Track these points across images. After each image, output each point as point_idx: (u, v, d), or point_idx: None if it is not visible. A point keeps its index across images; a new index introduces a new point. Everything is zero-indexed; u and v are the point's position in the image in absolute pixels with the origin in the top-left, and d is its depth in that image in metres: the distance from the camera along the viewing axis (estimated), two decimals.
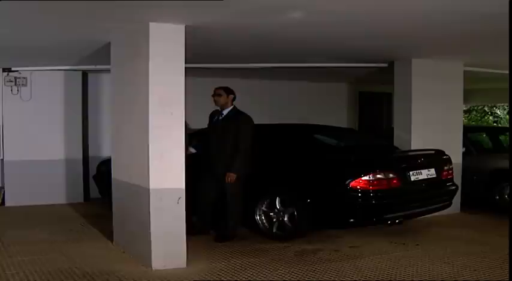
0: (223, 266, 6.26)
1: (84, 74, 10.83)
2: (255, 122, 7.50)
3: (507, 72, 10.77)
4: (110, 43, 7.07)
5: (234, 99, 7.57)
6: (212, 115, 7.76)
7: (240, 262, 6.41)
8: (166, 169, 6.10)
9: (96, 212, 9.37)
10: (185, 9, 5.37)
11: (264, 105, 12.07)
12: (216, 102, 7.58)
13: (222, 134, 7.43)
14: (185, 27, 5.99)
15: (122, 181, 6.94)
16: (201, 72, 10.08)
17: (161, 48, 6.03)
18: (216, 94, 7.55)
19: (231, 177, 7.21)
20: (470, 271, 6.08)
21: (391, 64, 9.45)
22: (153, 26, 5.93)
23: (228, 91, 7.53)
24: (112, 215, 7.30)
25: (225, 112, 7.54)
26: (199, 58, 8.39)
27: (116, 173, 7.19)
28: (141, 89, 6.15)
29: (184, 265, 6.16)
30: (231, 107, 7.54)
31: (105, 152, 10.41)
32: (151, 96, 6.00)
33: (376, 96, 14.70)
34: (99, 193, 10.35)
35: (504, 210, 9.26)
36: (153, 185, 6.03)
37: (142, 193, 6.15)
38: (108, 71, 7.51)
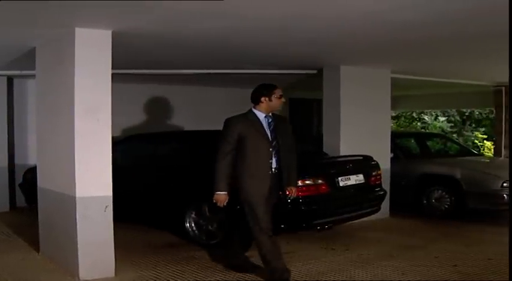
0: (152, 274, 6.18)
1: (10, 80, 10.53)
2: (188, 128, 7.38)
3: (434, 79, 11.14)
4: (35, 48, 6.90)
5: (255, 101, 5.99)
6: None
7: (169, 270, 6.35)
8: (92, 177, 5.98)
9: (22, 222, 9.09)
10: (111, 14, 5.29)
11: (198, 111, 12.02)
12: None
13: None
14: (112, 33, 5.91)
15: (47, 189, 6.76)
16: (133, 79, 9.95)
17: (87, 54, 5.91)
18: None
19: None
20: (398, 274, 6.19)
21: (320, 71, 9.54)
22: (79, 31, 5.82)
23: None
24: (38, 224, 7.13)
25: None
26: (129, 64, 8.30)
27: (41, 181, 7.00)
28: (67, 95, 6.02)
29: (113, 274, 6.06)
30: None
31: (32, 160, 10.13)
32: (76, 102, 5.88)
33: (306, 103, 14.82)
34: (25, 201, 10.11)
35: (431, 214, 9.54)
36: (79, 193, 5.90)
37: (69, 201, 6.01)
38: (34, 76, 7.33)
